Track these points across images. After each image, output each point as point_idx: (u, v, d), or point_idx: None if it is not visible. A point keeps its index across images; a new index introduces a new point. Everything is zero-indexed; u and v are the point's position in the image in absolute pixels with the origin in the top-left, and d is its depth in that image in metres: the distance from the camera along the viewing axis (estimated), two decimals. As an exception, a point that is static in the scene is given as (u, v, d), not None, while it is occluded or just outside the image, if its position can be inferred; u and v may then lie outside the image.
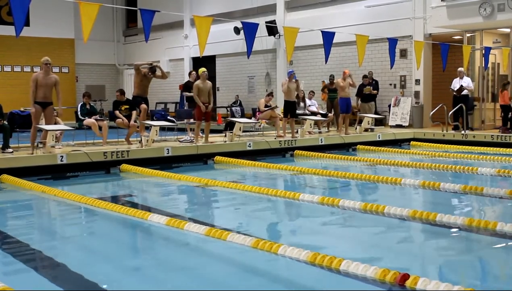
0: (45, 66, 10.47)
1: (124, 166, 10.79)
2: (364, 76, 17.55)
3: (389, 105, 18.23)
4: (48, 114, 10.63)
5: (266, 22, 20.06)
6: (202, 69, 12.86)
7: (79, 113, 12.73)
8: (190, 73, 15.18)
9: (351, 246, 5.87)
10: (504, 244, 5.75)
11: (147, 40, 11.06)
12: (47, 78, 10.42)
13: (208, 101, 12.60)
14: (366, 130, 15.65)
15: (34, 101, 10.40)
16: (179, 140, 13.31)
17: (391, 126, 17.83)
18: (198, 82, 12.64)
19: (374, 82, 17.94)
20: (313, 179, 10.39)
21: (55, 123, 11.60)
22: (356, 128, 15.57)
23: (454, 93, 15.51)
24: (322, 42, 13.47)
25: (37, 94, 10.38)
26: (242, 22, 12.87)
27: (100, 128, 12.49)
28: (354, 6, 19.19)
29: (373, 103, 17.47)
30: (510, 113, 14.96)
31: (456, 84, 15.56)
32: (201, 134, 14.49)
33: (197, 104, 12.51)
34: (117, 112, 13.02)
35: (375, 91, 17.47)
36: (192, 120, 14.31)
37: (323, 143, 14.03)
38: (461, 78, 15.49)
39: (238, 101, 21.97)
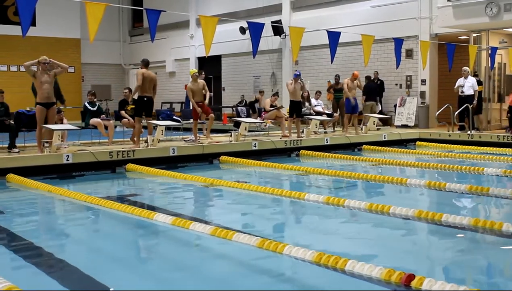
0: (43, 66, 10.41)
1: (130, 166, 10.81)
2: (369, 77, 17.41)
3: (395, 105, 18.19)
4: (51, 115, 10.61)
5: (271, 22, 20.06)
6: (193, 70, 13.05)
7: (88, 107, 12.73)
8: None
9: (356, 246, 5.86)
10: (510, 245, 5.73)
11: (153, 40, 11.09)
12: (46, 76, 10.42)
13: (203, 100, 12.80)
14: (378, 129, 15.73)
15: (36, 102, 10.42)
16: (184, 140, 13.32)
17: (397, 126, 17.80)
18: (189, 84, 12.85)
19: (379, 82, 17.91)
20: (319, 178, 10.38)
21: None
22: (361, 129, 15.55)
23: (460, 94, 15.44)
24: (327, 42, 13.47)
25: (40, 95, 10.38)
26: (247, 22, 12.88)
27: (106, 128, 12.52)
28: (360, 6, 19.16)
29: (373, 103, 17.23)
30: None
31: (460, 83, 15.46)
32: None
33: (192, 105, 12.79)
34: (122, 112, 13.05)
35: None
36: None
37: (328, 143, 14.01)
38: (466, 77, 15.38)
39: (244, 101, 21.96)
